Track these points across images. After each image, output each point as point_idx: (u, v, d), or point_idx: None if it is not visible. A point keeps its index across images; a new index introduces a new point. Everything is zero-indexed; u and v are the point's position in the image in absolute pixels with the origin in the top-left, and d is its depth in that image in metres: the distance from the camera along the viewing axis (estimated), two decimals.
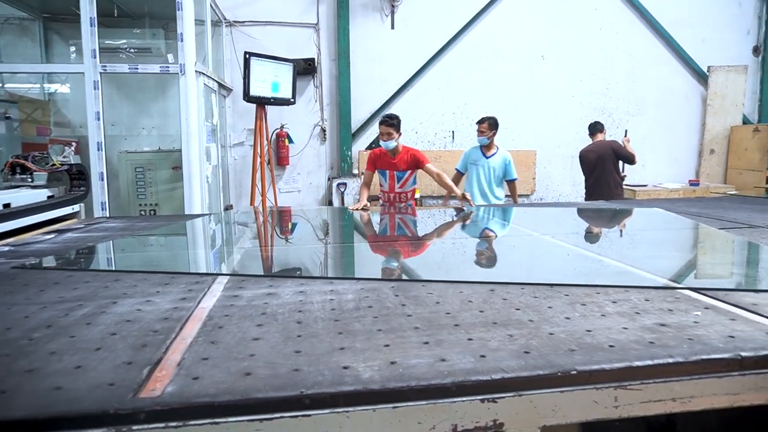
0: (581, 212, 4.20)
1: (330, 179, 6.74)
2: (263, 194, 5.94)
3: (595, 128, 5.86)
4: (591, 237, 2.97)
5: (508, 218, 3.63)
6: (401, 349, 1.18)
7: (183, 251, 2.70)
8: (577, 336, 1.25)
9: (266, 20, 6.46)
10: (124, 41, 5.90)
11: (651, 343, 1.21)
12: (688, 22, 7.31)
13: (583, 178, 5.92)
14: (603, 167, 5.60)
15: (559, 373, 1.08)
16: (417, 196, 6.19)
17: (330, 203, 6.67)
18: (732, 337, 1.23)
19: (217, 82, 5.60)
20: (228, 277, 1.91)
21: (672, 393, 1.11)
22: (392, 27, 6.75)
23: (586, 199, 5.79)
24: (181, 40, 4.55)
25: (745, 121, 7.50)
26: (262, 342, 1.25)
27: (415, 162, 4.28)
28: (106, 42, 5.73)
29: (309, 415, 0.99)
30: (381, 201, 4.48)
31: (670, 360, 1.12)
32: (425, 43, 6.84)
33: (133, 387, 1.02)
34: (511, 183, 5.02)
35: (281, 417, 0.98)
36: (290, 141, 6.56)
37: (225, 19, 6.34)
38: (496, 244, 2.71)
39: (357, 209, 4.03)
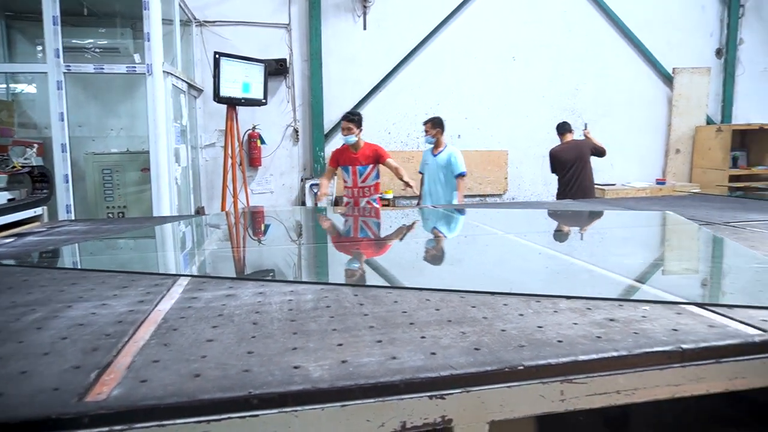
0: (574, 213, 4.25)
1: (303, 180, 6.71)
2: (235, 196, 5.89)
3: (565, 128, 5.97)
4: (562, 237, 3.02)
5: (491, 220, 3.65)
6: (354, 348, 1.19)
7: (145, 254, 2.66)
8: (528, 332, 1.28)
9: (237, 20, 6.41)
10: (91, 41, 5.79)
11: (598, 338, 1.24)
12: (654, 25, 7.49)
13: (553, 177, 6.02)
14: (582, 166, 5.76)
15: (506, 369, 1.10)
16: (389, 196, 6.23)
17: (303, 204, 6.65)
18: (676, 330, 1.27)
19: (186, 82, 5.54)
20: (189, 279, 1.89)
21: (616, 386, 1.14)
22: (364, 28, 6.76)
23: (559, 198, 5.87)
24: (148, 40, 4.49)
25: (709, 121, 7.71)
26: (215, 343, 1.24)
27: (376, 156, 4.52)
28: (73, 41, 5.62)
29: (257, 416, 0.99)
30: (345, 198, 4.61)
31: (615, 354, 1.15)
32: (397, 44, 6.86)
33: (78, 391, 1.01)
34: (457, 178, 5.01)
35: (229, 418, 0.98)
36: (262, 142, 6.52)
37: (195, 18, 6.26)
38: (467, 246, 2.73)
39: (322, 198, 4.39)
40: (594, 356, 1.15)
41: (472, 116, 7.20)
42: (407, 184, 4.60)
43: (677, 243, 2.79)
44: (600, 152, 5.83)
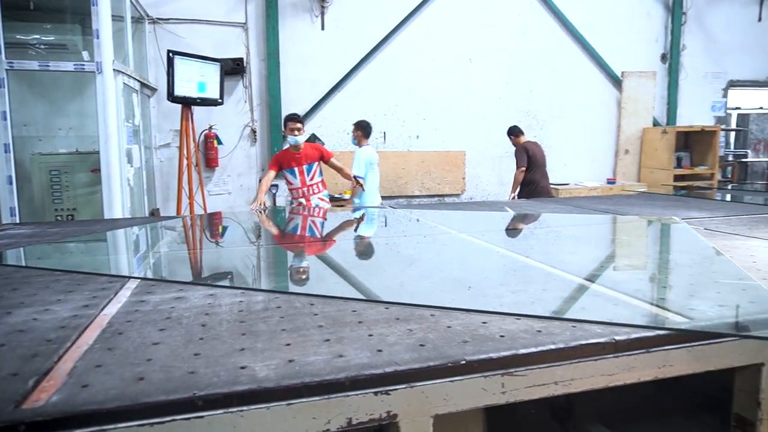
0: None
1: (261, 181, 6.65)
2: (191, 197, 5.77)
3: (519, 130, 6.13)
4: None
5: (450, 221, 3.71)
6: (302, 348, 1.20)
7: (93, 258, 2.59)
8: (473, 328, 1.32)
9: (192, 18, 6.29)
10: (37, 36, 5.56)
11: (538, 332, 1.29)
12: (604, 30, 7.77)
13: (509, 176, 6.15)
14: (545, 166, 5.97)
15: (449, 364, 1.13)
16: (348, 197, 6.24)
17: None
18: (611, 320, 1.34)
19: (139, 81, 5.40)
20: (138, 282, 1.86)
21: (554, 377, 1.19)
22: (322, 28, 6.74)
23: (522, 195, 5.95)
24: (97, 37, 4.36)
25: (655, 123, 8.05)
26: (161, 346, 1.23)
27: (320, 155, 4.69)
28: (17, 37, 5.39)
29: (202, 416, 0.99)
30: (293, 199, 4.70)
31: (553, 347, 1.21)
32: (356, 45, 6.88)
33: (15, 399, 0.99)
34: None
35: (173, 420, 0.98)
36: (219, 142, 6.41)
37: (147, 15, 6.11)
38: (426, 246, 2.77)
39: (255, 208, 4.32)
40: (533, 349, 1.19)
41: (431, 117, 7.29)
42: (357, 181, 4.79)
43: (633, 243, 2.91)
44: None
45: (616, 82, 7.90)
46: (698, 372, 1.34)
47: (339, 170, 4.84)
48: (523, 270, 1.98)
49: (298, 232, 3.45)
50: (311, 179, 4.66)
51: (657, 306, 1.48)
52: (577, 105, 7.85)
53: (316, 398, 1.05)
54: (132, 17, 5.56)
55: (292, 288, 1.87)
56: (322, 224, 3.71)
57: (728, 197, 4.85)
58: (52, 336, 1.32)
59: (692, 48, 8.16)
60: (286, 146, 4.68)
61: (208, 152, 6.37)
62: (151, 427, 0.97)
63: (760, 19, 8.36)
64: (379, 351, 1.18)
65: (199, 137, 6.25)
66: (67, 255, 2.61)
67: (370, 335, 1.27)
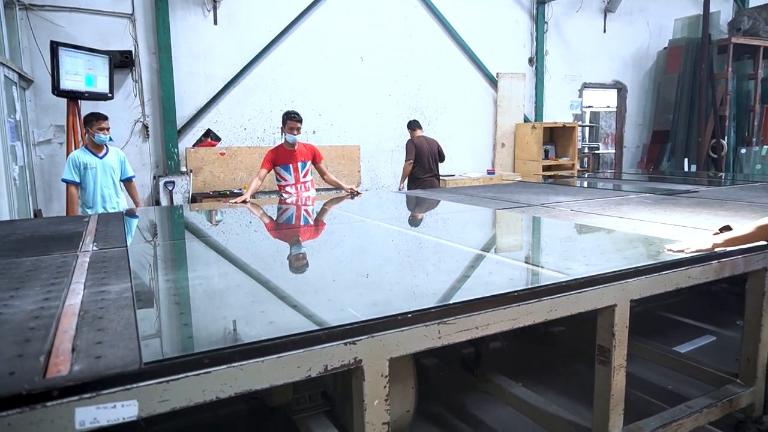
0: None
1: (156, 178, 6.45)
2: None
3: (417, 125, 6.60)
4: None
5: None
6: (275, 313, 1.44)
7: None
8: (409, 288, 1.64)
9: (72, 6, 5.91)
10: None
11: (461, 288, 1.64)
12: (480, 34, 8.53)
13: (400, 168, 6.62)
14: (434, 160, 6.46)
15: (399, 317, 1.44)
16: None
17: (157, 203, 6.39)
18: (512, 279, 1.73)
19: (17, 72, 5.01)
20: (85, 275, 1.93)
21: (475, 323, 1.55)
22: (215, 23, 6.68)
23: (411, 185, 6.41)
24: None
25: (526, 119, 9.03)
26: (146, 322, 1.39)
27: (313, 154, 4.83)
28: None
29: (209, 372, 1.20)
30: (285, 195, 4.71)
31: (472, 297, 1.56)
32: (250, 41, 6.91)
33: (36, 372, 1.11)
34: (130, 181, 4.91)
35: (185, 377, 1.18)
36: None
37: (19, 1, 5.65)
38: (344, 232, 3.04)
39: (237, 203, 4.28)
40: (459, 301, 1.54)
41: (326, 113, 7.54)
42: (352, 190, 4.88)
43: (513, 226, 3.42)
44: (442, 156, 6.64)
45: (492, 82, 8.73)
46: (574, 314, 1.78)
47: (323, 174, 4.94)
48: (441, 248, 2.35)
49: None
50: (305, 176, 4.77)
51: (541, 267, 1.91)
52: (459, 102, 8.55)
53: (300, 350, 1.29)
54: (3, 2, 5.13)
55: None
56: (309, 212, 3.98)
57: (585, 184, 5.70)
58: (31, 324, 1.41)
59: (553, 53, 9.25)
60: (281, 143, 4.72)
61: None
62: (168, 383, 1.16)
63: (605, 31, 9.70)
64: (342, 310, 1.45)
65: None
66: None
67: (329, 300, 1.54)
